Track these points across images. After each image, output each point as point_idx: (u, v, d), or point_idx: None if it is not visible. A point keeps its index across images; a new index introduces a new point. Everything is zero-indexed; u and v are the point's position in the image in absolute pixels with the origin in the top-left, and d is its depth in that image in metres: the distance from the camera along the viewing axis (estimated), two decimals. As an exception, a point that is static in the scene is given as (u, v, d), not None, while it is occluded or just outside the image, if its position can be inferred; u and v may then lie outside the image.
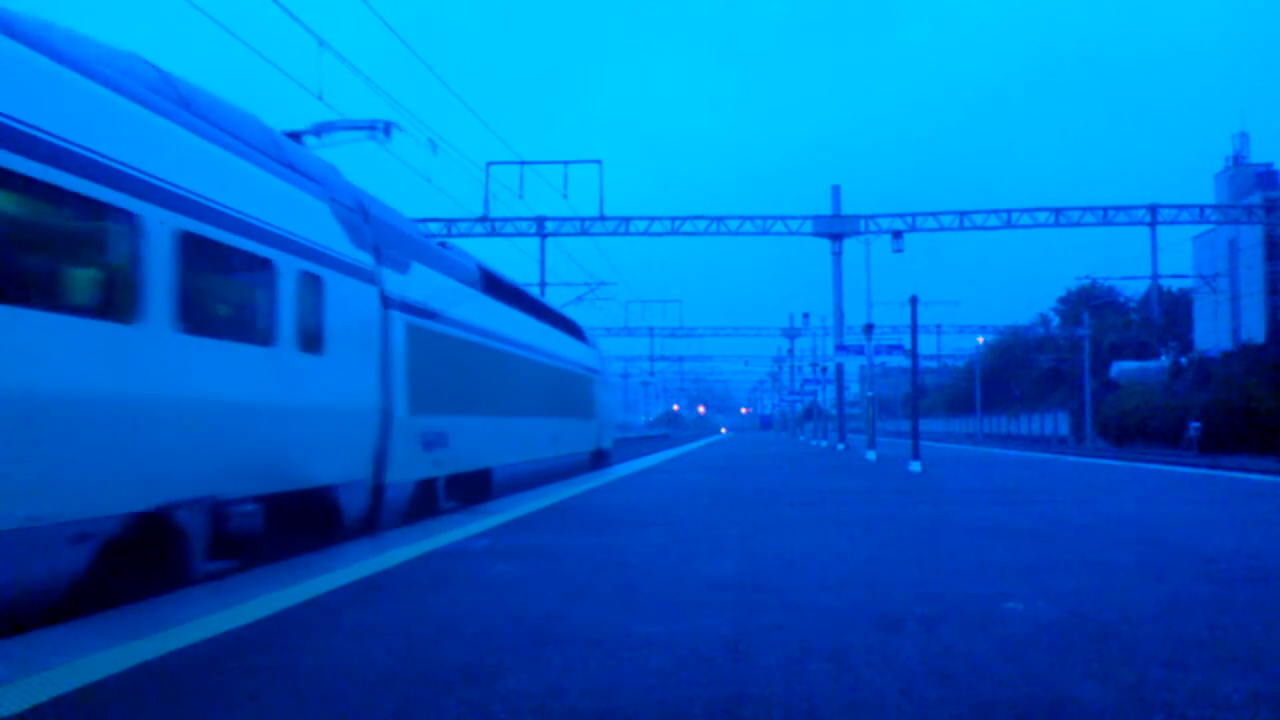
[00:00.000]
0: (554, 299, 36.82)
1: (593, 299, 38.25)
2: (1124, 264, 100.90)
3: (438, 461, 10.48)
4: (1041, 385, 75.69)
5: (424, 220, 35.25)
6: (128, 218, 5.50)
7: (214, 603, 4.83)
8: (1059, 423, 64.44)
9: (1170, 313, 70.25)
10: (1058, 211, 35.55)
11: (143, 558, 5.78)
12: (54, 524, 4.88)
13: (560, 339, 18.46)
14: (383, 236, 9.67)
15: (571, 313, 26.39)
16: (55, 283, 5.14)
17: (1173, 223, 36.34)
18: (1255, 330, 63.14)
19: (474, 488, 12.24)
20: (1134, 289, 76.45)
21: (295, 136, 10.38)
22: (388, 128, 11.70)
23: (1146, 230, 35.85)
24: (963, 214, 35.71)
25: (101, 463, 5.25)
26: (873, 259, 31.23)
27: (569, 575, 5.66)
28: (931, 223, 35.57)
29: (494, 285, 13.98)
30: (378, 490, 8.97)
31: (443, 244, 12.36)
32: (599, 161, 30.42)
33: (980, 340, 70.78)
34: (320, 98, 18.90)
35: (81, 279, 5.36)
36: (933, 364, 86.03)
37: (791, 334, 60.82)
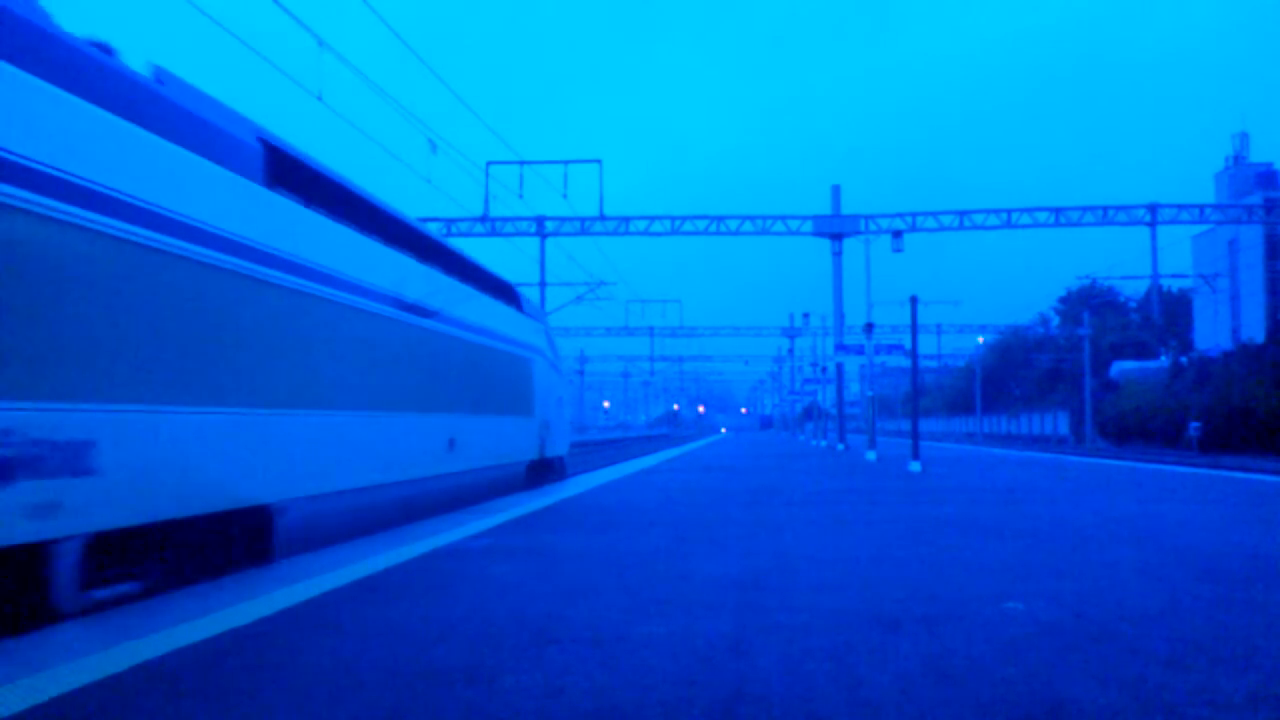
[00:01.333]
0: (554, 299, 36.76)
1: (593, 299, 38.27)
2: (1124, 264, 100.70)
3: (50, 504, 4.93)
4: (1041, 385, 75.72)
5: (424, 219, 35.32)
6: None
7: (213, 602, 4.82)
8: (1059, 422, 64.47)
9: (1170, 313, 70.30)
10: (1058, 211, 35.57)
11: None
12: None
13: (468, 297, 12.42)
14: None
15: (571, 313, 25.14)
16: None
17: (1173, 222, 36.39)
18: (1255, 330, 63.15)
19: (214, 543, 6.75)
20: (1134, 289, 76.52)
21: None
22: None
23: (1146, 230, 35.90)
24: (963, 214, 35.73)
25: None
26: (873, 259, 31.23)
27: (569, 575, 5.66)
28: (931, 223, 35.60)
29: (299, 181, 8.00)
30: None
31: (155, 80, 6.52)
32: (599, 161, 30.43)
33: (980, 340, 70.84)
34: (320, 98, 18.92)
35: None
36: (933, 364, 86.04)
37: (791, 334, 60.91)
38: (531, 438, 15.50)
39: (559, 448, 17.76)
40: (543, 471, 16.39)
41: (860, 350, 24.66)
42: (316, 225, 8.11)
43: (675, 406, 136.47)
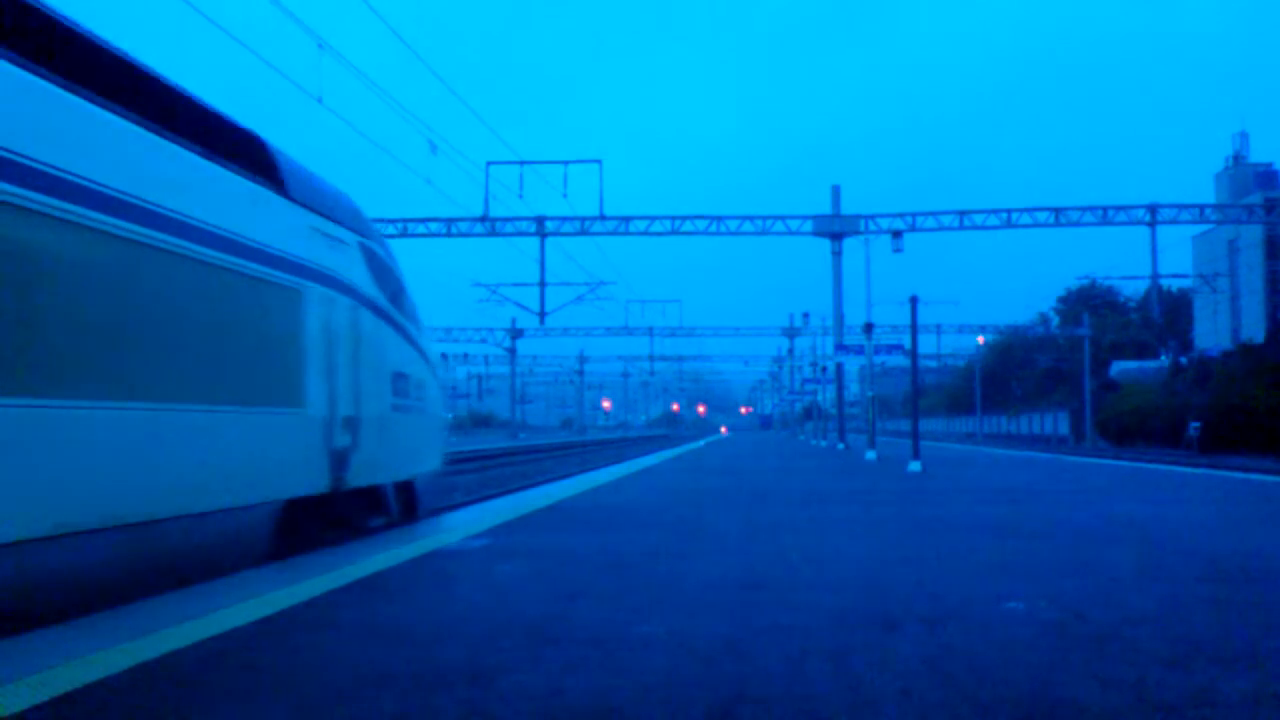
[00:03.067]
0: (554, 299, 36.75)
1: (593, 299, 38.36)
2: (1124, 264, 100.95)
3: None
4: (1041, 385, 75.74)
5: (424, 220, 35.34)
6: None
7: (213, 602, 4.82)
8: (1059, 422, 64.49)
9: (1170, 312, 70.36)
10: (1058, 211, 35.59)
11: None
12: None
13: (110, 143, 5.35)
14: None
15: (571, 313, 23.82)
16: None
17: (1173, 222, 36.42)
18: (1255, 330, 63.22)
19: None
20: (1134, 289, 76.64)
21: None
22: None
23: (1146, 230, 35.91)
24: (963, 214, 35.75)
25: None
26: (873, 259, 31.21)
27: (569, 575, 5.66)
28: (931, 223, 35.61)
29: None
30: None
31: None
32: (599, 161, 30.60)
33: (980, 340, 70.84)
34: (320, 100, 18.93)
35: None
36: (933, 364, 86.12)
37: (791, 334, 61.03)
38: (304, 449, 7.39)
39: (405, 465, 9.49)
40: (352, 512, 8.44)
41: (860, 350, 24.68)
42: None
43: (675, 407, 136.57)
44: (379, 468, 8.73)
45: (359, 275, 8.55)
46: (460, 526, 7.00)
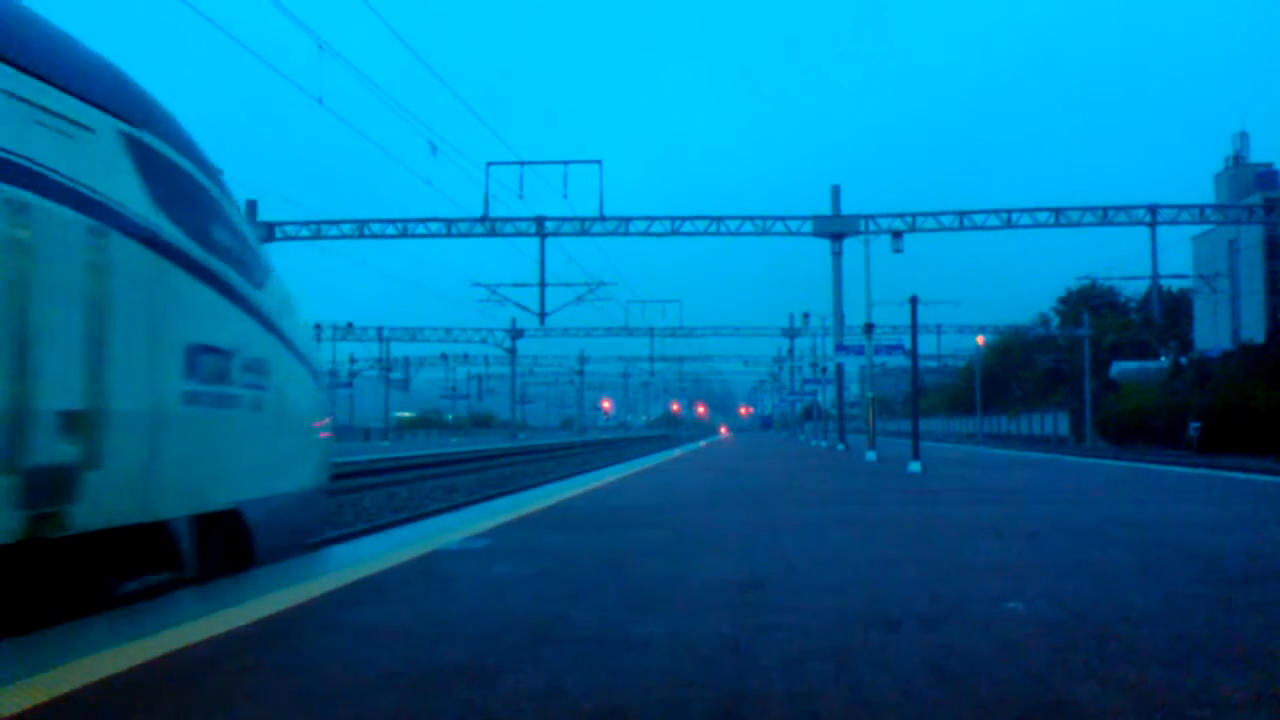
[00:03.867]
0: (554, 299, 36.76)
1: (593, 299, 38.38)
2: (1124, 264, 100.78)
3: None
4: (1042, 385, 75.75)
5: (424, 220, 35.33)
6: None
7: (213, 603, 4.82)
8: (1059, 423, 64.54)
9: (1170, 313, 70.37)
10: (1058, 211, 35.59)
11: None
12: None
13: None
14: None
15: (571, 314, 23.56)
16: None
17: (1173, 223, 36.41)
18: (1255, 330, 63.26)
19: None
20: (1134, 289, 76.61)
21: None
22: None
23: (1146, 230, 35.90)
24: (963, 214, 35.75)
25: None
26: (873, 259, 31.17)
27: (569, 575, 5.66)
28: (931, 223, 35.61)
29: None
30: None
31: None
32: (599, 161, 30.67)
33: (980, 341, 70.84)
34: (321, 101, 18.93)
35: None
36: (933, 364, 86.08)
37: (791, 334, 61.09)
38: None
39: (221, 488, 6.02)
40: (94, 569, 5.24)
41: (860, 351, 24.70)
42: None
43: (675, 407, 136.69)
44: (157, 493, 5.40)
45: (117, 184, 5.21)
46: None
